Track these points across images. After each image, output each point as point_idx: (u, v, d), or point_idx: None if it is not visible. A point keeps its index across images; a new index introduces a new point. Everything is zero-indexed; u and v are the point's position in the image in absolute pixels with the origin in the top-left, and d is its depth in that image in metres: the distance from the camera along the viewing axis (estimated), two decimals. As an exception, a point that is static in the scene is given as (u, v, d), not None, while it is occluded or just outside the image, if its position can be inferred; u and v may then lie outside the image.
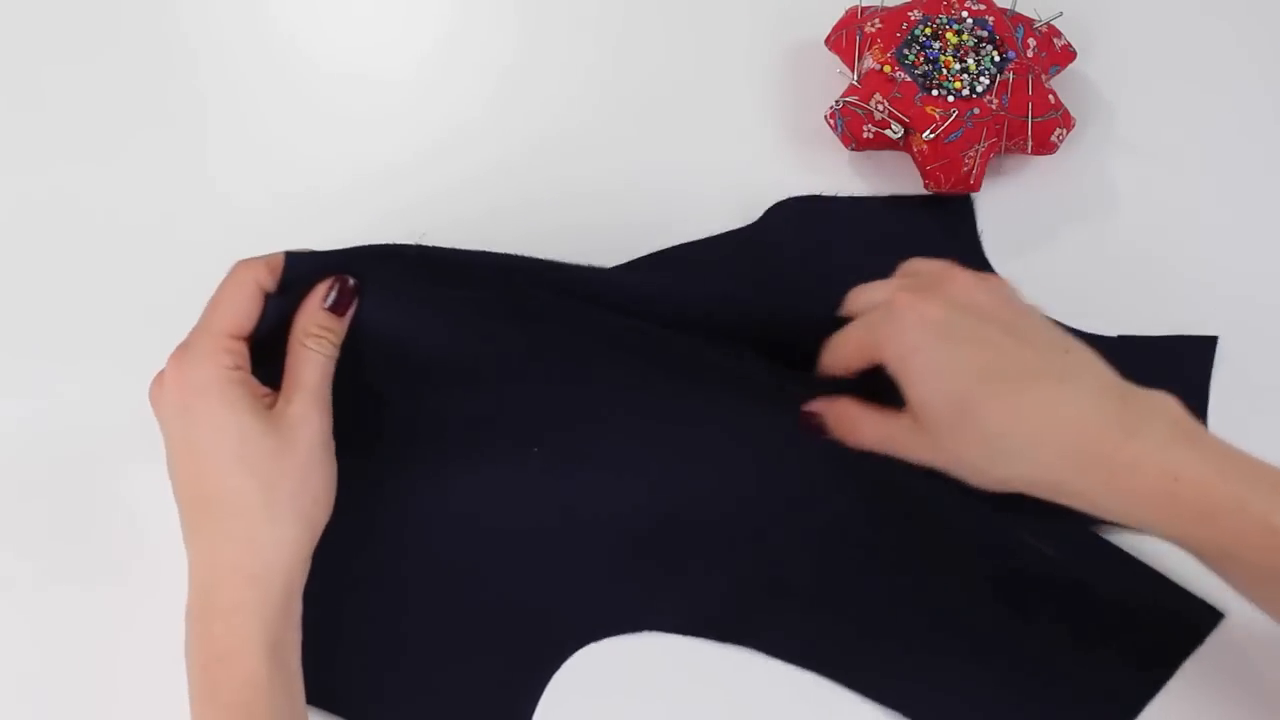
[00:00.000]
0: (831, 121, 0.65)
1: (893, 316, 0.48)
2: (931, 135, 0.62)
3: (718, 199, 0.64)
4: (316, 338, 0.49)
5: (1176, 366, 0.58)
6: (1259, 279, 0.63)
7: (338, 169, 0.66)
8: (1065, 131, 0.64)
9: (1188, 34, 0.71)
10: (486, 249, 0.53)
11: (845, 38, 0.66)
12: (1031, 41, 0.65)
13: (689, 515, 0.55)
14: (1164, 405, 0.46)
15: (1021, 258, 0.63)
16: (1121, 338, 0.59)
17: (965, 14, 0.65)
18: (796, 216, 0.63)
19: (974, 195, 0.64)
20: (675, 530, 0.55)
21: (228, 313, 0.48)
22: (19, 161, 0.66)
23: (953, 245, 0.62)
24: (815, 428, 0.52)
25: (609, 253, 0.60)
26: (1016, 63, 0.63)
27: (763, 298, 0.58)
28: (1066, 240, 0.64)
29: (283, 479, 0.47)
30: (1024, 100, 0.63)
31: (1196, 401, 0.58)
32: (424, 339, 0.51)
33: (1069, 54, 0.66)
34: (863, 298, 0.52)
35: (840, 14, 0.68)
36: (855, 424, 0.51)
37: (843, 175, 0.66)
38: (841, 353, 0.51)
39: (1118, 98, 0.69)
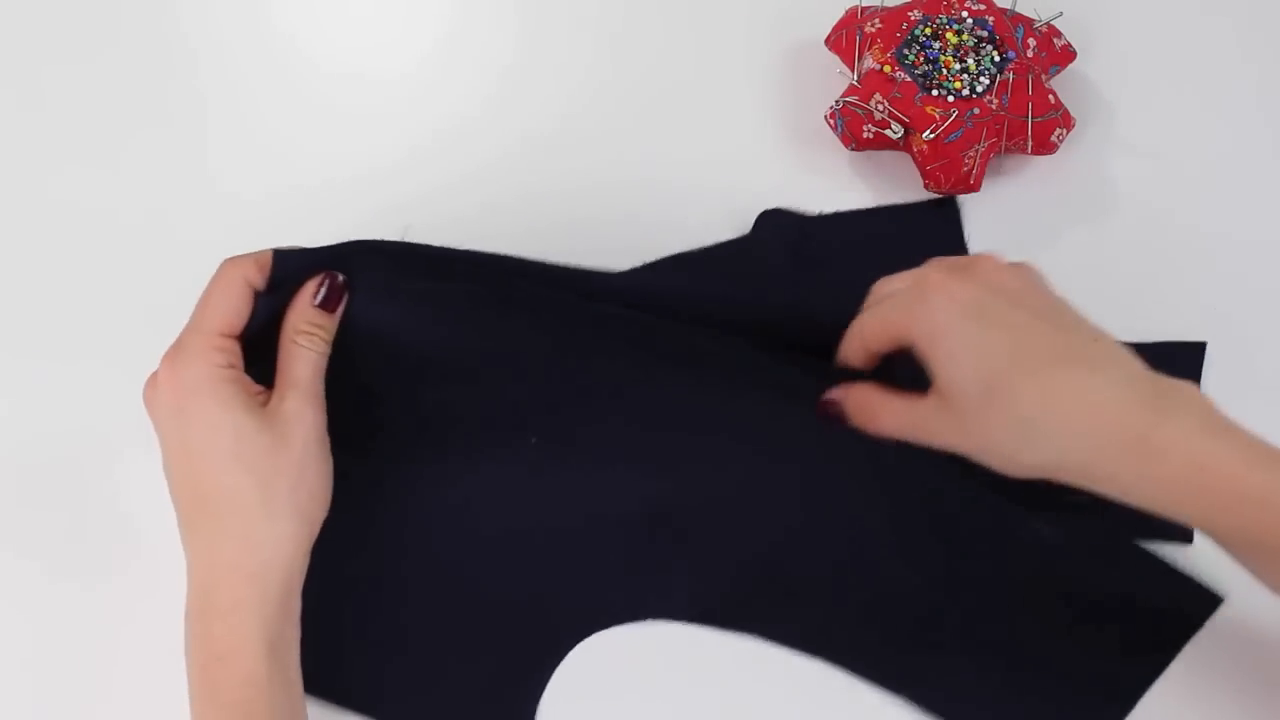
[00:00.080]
0: (831, 121, 0.65)
1: (924, 296, 0.48)
2: (931, 135, 0.62)
3: (718, 199, 0.64)
4: (308, 334, 0.49)
5: (1167, 372, 0.59)
6: (1258, 279, 0.63)
7: (338, 167, 0.66)
8: (1065, 131, 0.64)
9: (1188, 34, 0.71)
10: (484, 246, 0.53)
11: (845, 38, 0.66)
12: (1031, 41, 0.65)
13: (689, 502, 0.55)
14: (1192, 395, 0.46)
15: (1021, 258, 0.62)
16: None
17: (965, 14, 0.65)
18: (782, 232, 0.63)
19: (971, 196, 0.64)
20: (676, 518, 0.55)
21: (218, 311, 0.48)
22: (19, 162, 0.66)
23: (940, 249, 0.62)
24: (834, 416, 0.51)
25: (608, 252, 0.59)
26: (1016, 63, 0.63)
27: (762, 298, 0.58)
28: (1066, 240, 0.64)
29: (279, 476, 0.47)
30: (1024, 100, 0.63)
31: None
32: (416, 333, 0.51)
33: (1069, 54, 0.66)
34: (888, 287, 0.51)
35: (840, 14, 0.68)
36: (876, 410, 0.50)
37: (843, 175, 0.66)
38: (866, 333, 0.51)
39: (1118, 98, 0.69)
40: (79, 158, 0.66)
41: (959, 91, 0.63)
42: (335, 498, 0.50)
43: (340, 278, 0.50)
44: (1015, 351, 0.46)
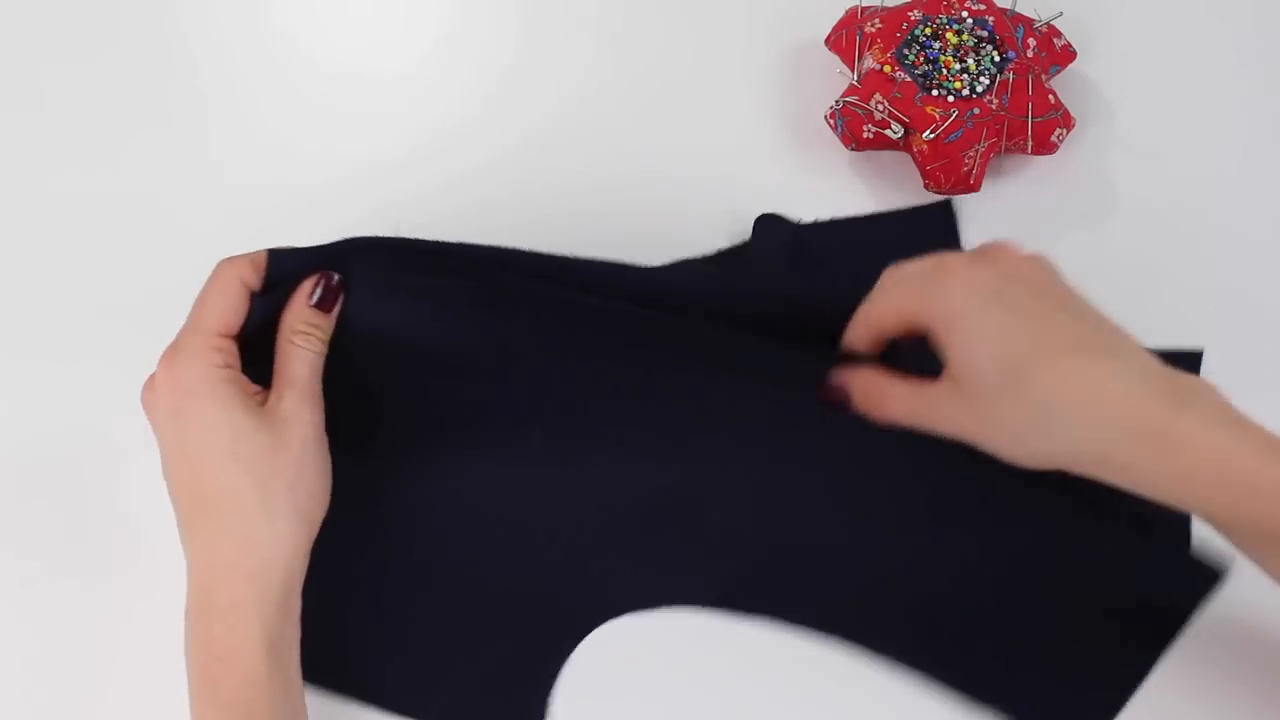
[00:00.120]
0: (831, 121, 0.65)
1: (942, 279, 0.47)
2: (931, 135, 0.62)
3: (718, 198, 0.64)
4: (304, 334, 0.49)
5: None
6: (1258, 279, 0.63)
7: (338, 166, 0.66)
8: (1065, 131, 0.64)
9: (1188, 34, 0.71)
10: (482, 243, 0.53)
11: (845, 38, 0.66)
12: (1031, 41, 0.65)
13: (698, 489, 0.55)
14: (1208, 389, 0.46)
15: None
16: None
17: (965, 14, 0.65)
18: (778, 242, 0.63)
19: (971, 196, 0.64)
20: (685, 506, 0.55)
21: (214, 312, 0.48)
22: (21, 162, 0.66)
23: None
24: (837, 400, 0.51)
25: (607, 252, 0.59)
26: (1016, 63, 0.63)
27: (762, 293, 0.58)
28: (1066, 240, 0.64)
29: (277, 475, 0.47)
30: (1024, 100, 0.63)
31: None
32: (414, 329, 0.51)
33: (1069, 54, 0.66)
34: (901, 272, 0.50)
35: (840, 14, 0.68)
36: (884, 394, 0.49)
37: (843, 175, 0.66)
38: (876, 315, 0.50)
39: (1118, 98, 0.69)
40: (80, 157, 0.66)
41: (959, 91, 0.63)
42: (340, 496, 0.50)
43: (335, 278, 0.50)
44: (1035, 338, 0.46)
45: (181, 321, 0.49)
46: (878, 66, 0.64)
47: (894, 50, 0.64)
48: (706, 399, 0.54)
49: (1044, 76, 0.65)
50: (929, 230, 0.64)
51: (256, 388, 0.49)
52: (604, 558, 0.55)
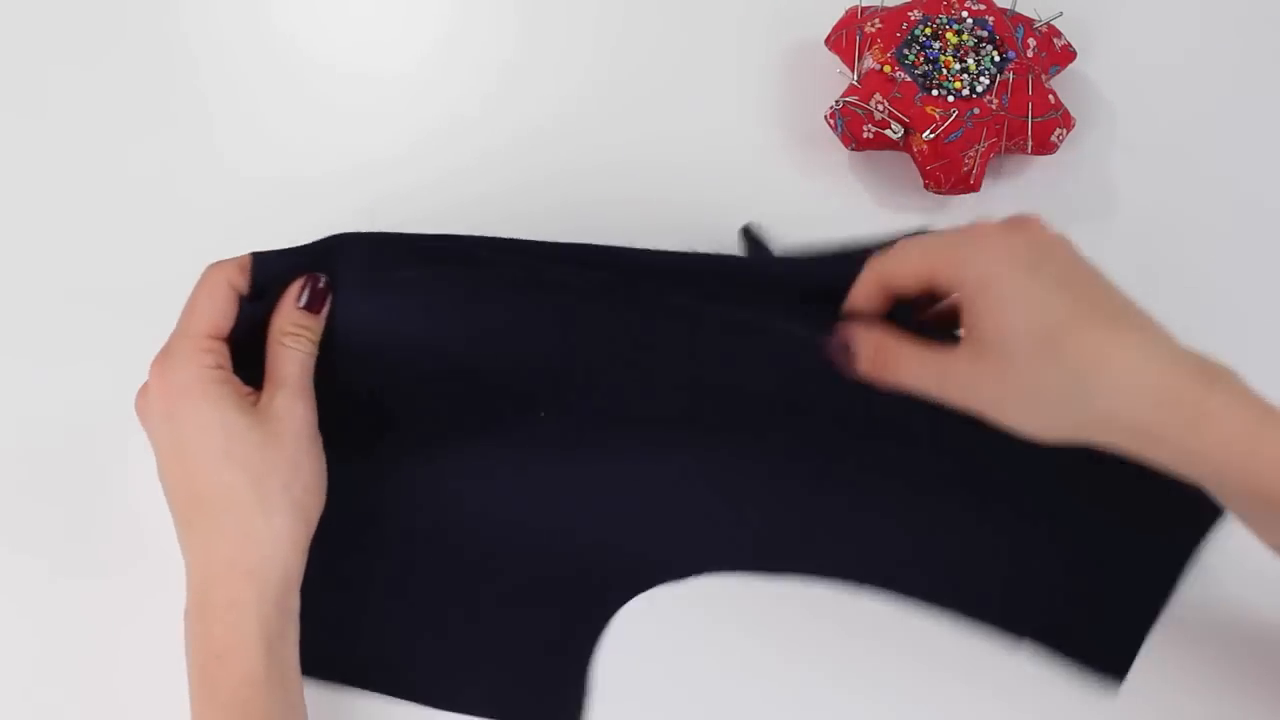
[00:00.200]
0: (831, 121, 0.65)
1: (977, 241, 0.47)
2: (931, 135, 0.62)
3: (717, 199, 0.64)
4: (293, 335, 0.50)
5: None
6: (1258, 279, 0.63)
7: (340, 162, 0.66)
8: (1065, 131, 0.64)
9: (1188, 34, 0.71)
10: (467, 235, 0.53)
11: (845, 38, 0.66)
12: (1031, 41, 0.65)
13: (713, 455, 0.55)
14: (1232, 371, 0.46)
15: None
16: None
17: (965, 14, 0.65)
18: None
19: (971, 196, 0.64)
20: (699, 474, 0.55)
21: (204, 314, 0.49)
22: (23, 162, 0.66)
23: None
24: (841, 358, 0.49)
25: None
26: (1016, 63, 0.63)
27: (754, 277, 0.57)
28: (1066, 240, 0.64)
29: (272, 472, 0.47)
30: (1024, 100, 0.63)
31: None
32: (406, 321, 0.51)
33: (1069, 54, 0.66)
34: (924, 237, 0.49)
35: (840, 14, 0.68)
36: (896, 358, 0.48)
37: (843, 175, 0.66)
38: (895, 271, 0.48)
39: (1118, 98, 0.69)
40: (80, 157, 0.66)
41: (959, 91, 0.63)
42: (350, 493, 0.50)
43: (322, 279, 0.51)
44: (1071, 308, 0.45)
45: (188, 319, 0.50)
46: (878, 66, 0.64)
47: (894, 50, 0.64)
48: (714, 363, 0.54)
49: (1044, 76, 0.64)
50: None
51: (249, 389, 0.49)
52: (628, 532, 0.55)
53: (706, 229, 0.63)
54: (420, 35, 0.72)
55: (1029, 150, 0.64)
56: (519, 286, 0.52)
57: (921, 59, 0.64)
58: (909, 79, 0.63)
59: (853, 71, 0.65)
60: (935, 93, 0.63)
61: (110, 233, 0.64)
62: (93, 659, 0.54)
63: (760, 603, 0.55)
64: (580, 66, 0.70)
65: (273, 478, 0.47)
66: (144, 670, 0.52)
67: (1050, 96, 0.64)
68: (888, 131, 0.63)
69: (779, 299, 0.54)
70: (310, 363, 0.50)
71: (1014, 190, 0.65)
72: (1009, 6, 0.66)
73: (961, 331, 0.47)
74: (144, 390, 0.49)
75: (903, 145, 0.64)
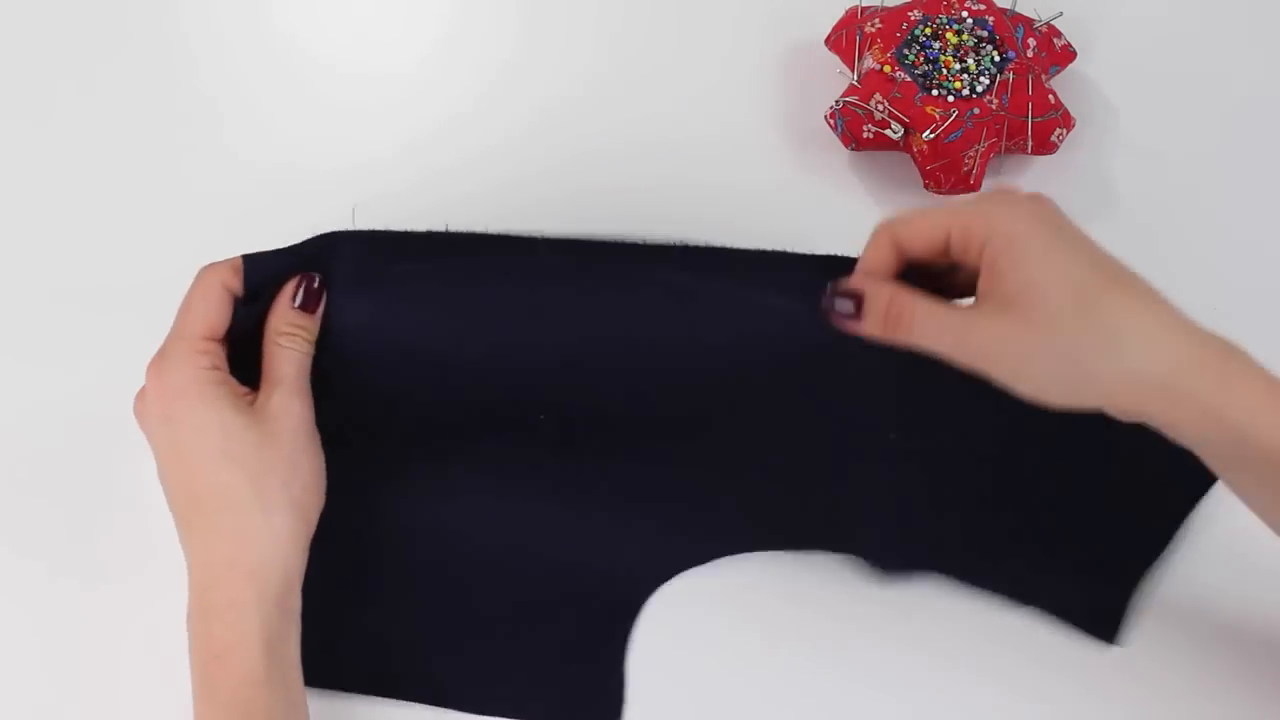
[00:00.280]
0: (831, 121, 0.65)
1: (1005, 202, 0.46)
2: (931, 135, 0.62)
3: (717, 199, 0.64)
4: (289, 335, 0.50)
5: None
6: (1258, 279, 0.63)
7: (341, 159, 0.66)
8: (1065, 131, 0.64)
9: (1188, 34, 0.71)
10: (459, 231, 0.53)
11: (845, 38, 0.66)
12: (1031, 41, 0.65)
13: (719, 437, 0.55)
14: (1239, 345, 0.46)
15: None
16: None
17: (965, 14, 0.65)
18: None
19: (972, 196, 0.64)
20: (708, 455, 0.55)
21: (198, 316, 0.49)
22: (27, 163, 0.66)
23: None
24: (845, 316, 0.48)
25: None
26: (1016, 63, 0.63)
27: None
28: (1066, 240, 0.64)
29: (270, 471, 0.47)
30: (1024, 100, 0.63)
31: None
32: (400, 318, 0.51)
33: (1069, 54, 0.67)
34: (942, 202, 0.49)
35: (840, 14, 0.68)
36: (913, 314, 0.47)
37: (843, 175, 0.66)
38: (913, 229, 0.47)
39: (1118, 98, 0.69)
40: (81, 158, 0.66)
41: (959, 91, 0.63)
42: (352, 497, 0.50)
43: (317, 279, 0.51)
44: (1099, 269, 0.46)
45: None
46: (878, 66, 0.64)
47: (894, 50, 0.64)
48: (714, 338, 0.53)
49: (1044, 76, 0.65)
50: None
51: (245, 389, 0.49)
52: (643, 523, 0.55)
53: (707, 229, 0.63)
54: (420, 35, 0.72)
55: (1029, 150, 0.64)
56: (515, 280, 0.52)
57: (921, 59, 0.64)
58: (909, 79, 0.63)
59: (853, 71, 0.65)
60: (935, 93, 0.63)
61: (110, 233, 0.64)
62: (93, 659, 0.53)
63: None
64: (580, 65, 0.70)
65: (271, 476, 0.47)
66: (144, 672, 0.52)
67: (1050, 96, 0.64)
68: (888, 131, 0.63)
69: (774, 279, 0.53)
70: (306, 362, 0.50)
71: (1014, 190, 0.65)
72: (1009, 6, 0.66)
73: (975, 299, 0.47)
74: (141, 394, 0.49)
75: (903, 145, 0.64)
